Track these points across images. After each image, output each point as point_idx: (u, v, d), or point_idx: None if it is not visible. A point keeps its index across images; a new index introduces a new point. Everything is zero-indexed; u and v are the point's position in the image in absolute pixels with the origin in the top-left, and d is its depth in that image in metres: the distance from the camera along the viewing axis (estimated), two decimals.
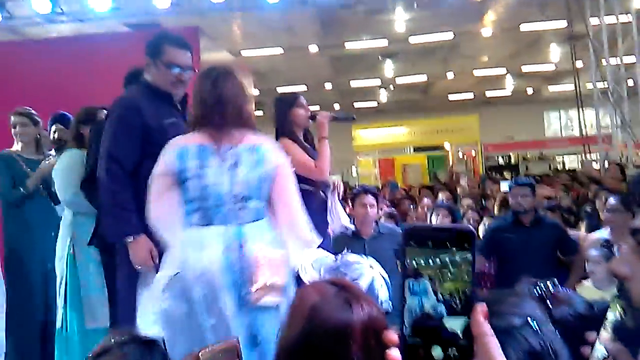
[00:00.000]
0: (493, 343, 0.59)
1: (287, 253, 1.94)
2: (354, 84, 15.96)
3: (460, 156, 17.02)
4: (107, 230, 2.33)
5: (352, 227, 3.28)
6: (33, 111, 3.47)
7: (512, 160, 18.01)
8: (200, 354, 1.06)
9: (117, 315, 2.45)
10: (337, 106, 18.62)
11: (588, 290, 2.87)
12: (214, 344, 1.15)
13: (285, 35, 10.92)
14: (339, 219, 3.14)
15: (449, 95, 18.16)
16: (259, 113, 12.93)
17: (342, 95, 17.43)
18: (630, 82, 7.88)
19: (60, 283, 3.03)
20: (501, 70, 15.51)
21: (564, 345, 0.81)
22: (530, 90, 18.62)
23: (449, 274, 0.59)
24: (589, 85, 9.09)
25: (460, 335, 0.59)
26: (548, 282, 1.26)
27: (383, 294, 1.61)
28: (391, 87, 16.80)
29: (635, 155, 9.74)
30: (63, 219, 3.10)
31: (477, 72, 15.37)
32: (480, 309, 0.59)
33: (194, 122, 2.00)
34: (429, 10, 9.72)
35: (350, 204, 3.73)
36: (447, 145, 16.45)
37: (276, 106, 3.05)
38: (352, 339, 0.90)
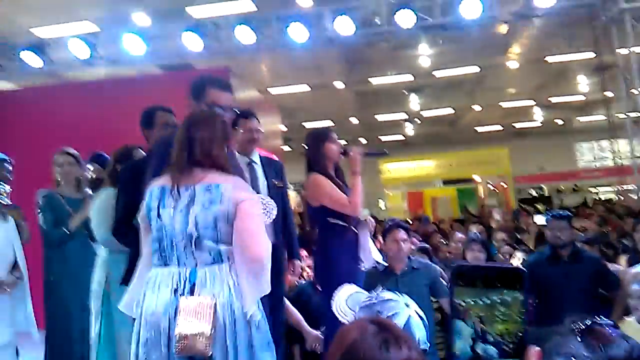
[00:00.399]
0: None
1: (226, 300, 1.81)
2: (380, 117, 16.06)
3: (491, 188, 16.76)
4: None
5: (384, 263, 3.23)
6: (76, 152, 3.58)
7: (545, 192, 17.63)
8: None
9: None
10: (363, 140, 18.72)
11: (632, 327, 2.73)
12: None
13: (312, 72, 11.15)
14: (370, 254, 3.10)
15: (477, 128, 18.06)
16: (287, 148, 13.10)
17: (368, 130, 17.53)
18: None
19: (96, 320, 3.07)
20: (529, 102, 15.38)
21: None
22: (559, 121, 18.37)
23: (499, 315, 0.57)
24: (620, 115, 8.92)
25: None
26: (593, 320, 1.20)
27: (420, 333, 1.56)
28: (417, 120, 16.83)
29: None
30: (99, 257, 3.15)
31: (505, 104, 15.28)
32: (534, 351, 0.57)
33: (167, 164, 2.03)
34: (454, 45, 9.79)
35: (381, 239, 3.68)
36: (477, 178, 16.23)
37: (308, 141, 3.05)
38: None
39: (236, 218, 1.86)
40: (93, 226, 3.10)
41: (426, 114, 15.91)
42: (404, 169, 14.66)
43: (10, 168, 3.51)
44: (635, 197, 9.01)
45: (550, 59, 11.23)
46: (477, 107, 15.44)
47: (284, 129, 12.03)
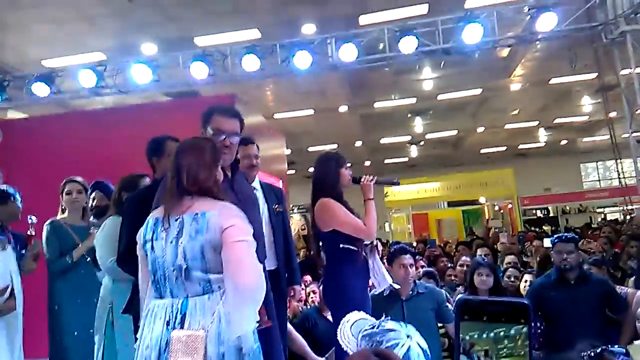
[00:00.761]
0: None
1: (215, 330, 1.77)
2: (384, 141, 16.13)
3: (497, 210, 16.69)
4: None
5: (398, 285, 3.21)
6: (83, 180, 3.62)
7: (551, 213, 17.54)
8: None
9: None
10: (367, 163, 18.76)
11: None
12: None
13: (316, 97, 11.26)
14: (384, 278, 3.10)
15: (481, 149, 18.09)
16: (291, 172, 13.15)
17: (373, 152, 17.59)
18: None
19: (99, 349, 3.06)
20: (533, 123, 15.43)
21: None
22: (564, 142, 18.39)
23: (503, 349, 0.57)
24: (625, 135, 8.92)
25: None
26: (603, 348, 1.19)
27: None
28: (421, 142, 16.90)
29: None
30: (103, 286, 3.15)
31: (508, 126, 15.33)
32: None
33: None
34: (456, 68, 9.89)
35: (386, 262, 3.68)
36: (482, 199, 16.19)
37: (322, 165, 3.06)
38: None
39: (223, 246, 1.83)
40: (98, 254, 3.11)
41: (430, 136, 15.98)
42: (409, 191, 14.65)
43: (20, 200, 3.56)
44: None
45: (553, 80, 11.30)
46: (480, 129, 15.49)
47: (288, 152, 12.11)
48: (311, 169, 3.25)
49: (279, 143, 7.58)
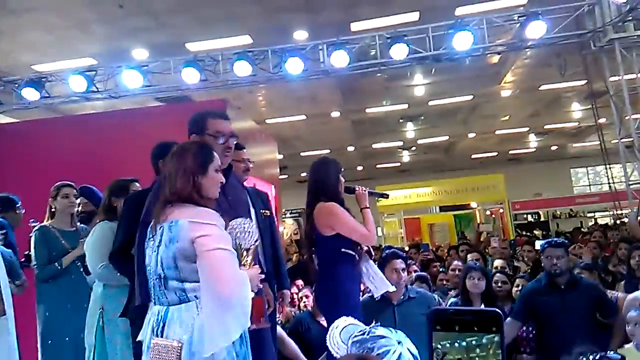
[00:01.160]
0: None
1: (187, 341, 1.75)
2: (376, 146, 16.19)
3: (488, 214, 16.76)
4: None
5: (393, 288, 3.22)
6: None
7: (542, 218, 17.65)
8: None
9: None
10: (360, 168, 18.81)
11: (632, 355, 2.72)
12: None
13: (308, 103, 11.29)
14: (383, 282, 3.11)
15: (473, 155, 18.20)
16: (283, 177, 13.15)
17: (365, 158, 17.64)
18: None
19: (89, 355, 3.03)
20: (523, 129, 15.56)
21: None
22: (554, 148, 18.55)
23: (477, 358, 0.58)
24: (614, 141, 9.01)
25: None
26: (601, 354, 1.20)
27: None
28: (413, 148, 16.98)
29: None
30: (93, 291, 3.13)
31: (499, 132, 15.45)
32: None
33: None
34: (447, 75, 9.96)
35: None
36: (473, 204, 16.26)
37: (323, 169, 3.06)
38: None
39: (197, 255, 1.80)
40: (88, 260, 3.09)
41: (422, 141, 16.05)
42: (401, 196, 14.66)
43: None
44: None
45: (543, 87, 11.42)
46: (472, 135, 15.59)
47: (280, 157, 12.11)
48: (304, 174, 3.26)
49: (271, 148, 7.58)
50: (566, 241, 3.64)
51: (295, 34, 7.81)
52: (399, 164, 19.30)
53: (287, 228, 12.06)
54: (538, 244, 6.05)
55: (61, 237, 3.43)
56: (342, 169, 3.09)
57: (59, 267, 3.34)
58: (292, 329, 3.88)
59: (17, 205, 3.88)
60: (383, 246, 8.27)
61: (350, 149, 16.31)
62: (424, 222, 16.06)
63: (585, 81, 9.50)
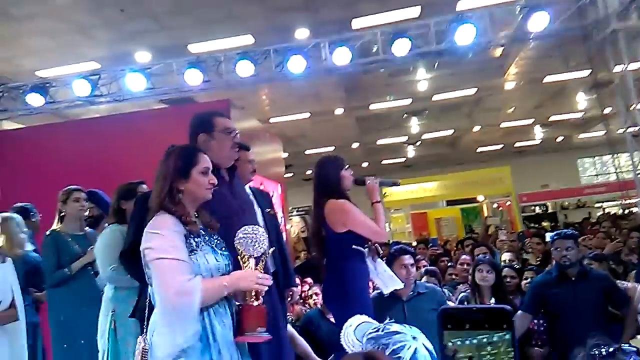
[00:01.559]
0: None
1: (152, 344, 1.81)
2: (381, 142, 16.15)
3: (495, 207, 16.71)
4: None
5: (402, 284, 3.21)
6: None
7: (549, 209, 17.56)
8: None
9: None
10: (365, 164, 18.78)
11: None
12: None
13: (311, 101, 11.28)
14: (392, 278, 3.10)
15: (478, 148, 18.13)
16: (289, 175, 13.15)
17: (370, 154, 17.61)
18: None
19: (102, 358, 3.05)
20: (528, 121, 15.47)
21: None
22: (560, 139, 18.44)
23: (487, 355, 0.57)
24: (620, 130, 8.96)
25: None
26: (616, 346, 1.18)
27: None
28: (418, 143, 16.93)
29: None
30: (105, 294, 3.14)
31: (504, 124, 15.37)
32: None
33: None
34: (450, 69, 9.92)
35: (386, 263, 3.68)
36: (480, 197, 16.22)
37: (322, 168, 3.07)
38: None
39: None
40: (99, 262, 3.11)
41: (427, 136, 16.00)
42: (407, 190, 14.64)
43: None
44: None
45: (547, 78, 11.34)
46: (476, 128, 15.53)
47: (285, 155, 12.12)
48: (309, 172, 3.27)
49: (276, 147, 7.58)
50: (576, 232, 3.60)
51: (296, 33, 7.80)
52: (404, 159, 19.25)
53: (294, 226, 12.08)
54: (548, 237, 6.02)
55: (73, 241, 3.45)
56: (347, 165, 3.07)
57: (69, 273, 3.35)
58: (302, 327, 3.89)
59: (32, 213, 3.92)
60: (391, 242, 8.26)
61: (355, 145, 16.28)
62: (431, 216, 16.04)
63: (590, 72, 9.45)
